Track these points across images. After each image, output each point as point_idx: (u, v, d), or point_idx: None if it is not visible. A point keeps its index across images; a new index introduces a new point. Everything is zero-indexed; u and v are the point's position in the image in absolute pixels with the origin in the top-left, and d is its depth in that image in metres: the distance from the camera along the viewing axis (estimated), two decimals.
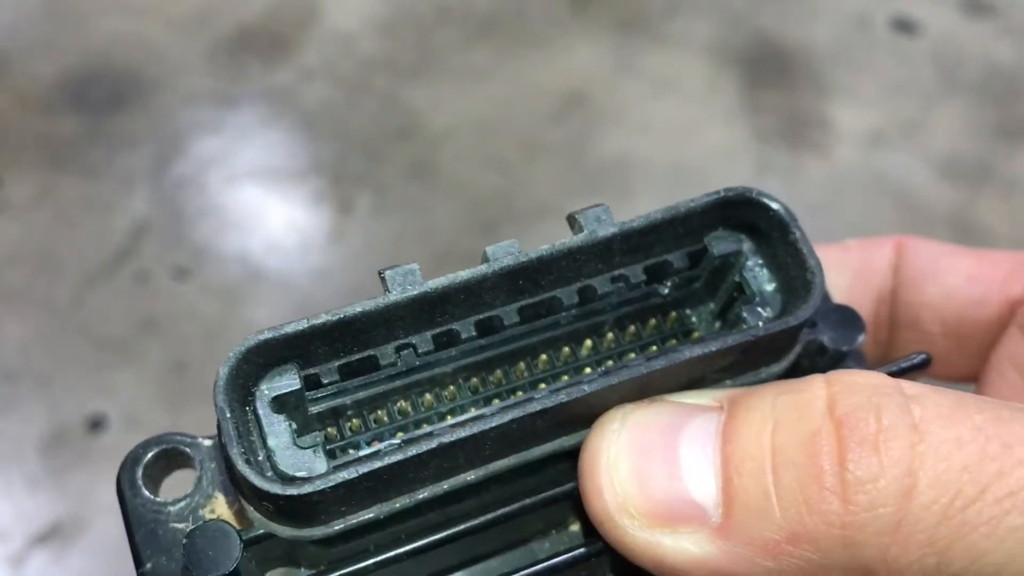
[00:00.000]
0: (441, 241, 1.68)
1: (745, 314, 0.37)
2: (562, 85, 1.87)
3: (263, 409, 0.33)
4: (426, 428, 0.36)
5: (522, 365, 0.37)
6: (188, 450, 0.37)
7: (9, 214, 1.70)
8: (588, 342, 0.38)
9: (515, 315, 0.35)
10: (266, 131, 1.82)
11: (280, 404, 0.34)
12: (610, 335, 0.38)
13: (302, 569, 0.36)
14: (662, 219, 0.35)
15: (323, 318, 0.33)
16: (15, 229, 1.69)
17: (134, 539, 0.37)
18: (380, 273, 0.34)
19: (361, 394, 0.35)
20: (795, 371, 0.37)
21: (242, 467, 0.31)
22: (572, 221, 0.35)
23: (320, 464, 0.33)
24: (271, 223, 1.71)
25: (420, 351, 0.35)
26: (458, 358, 0.36)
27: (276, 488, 0.31)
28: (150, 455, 0.38)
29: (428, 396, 0.36)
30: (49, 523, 1.42)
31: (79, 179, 1.74)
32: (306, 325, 0.33)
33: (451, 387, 0.36)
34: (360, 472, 0.31)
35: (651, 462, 0.33)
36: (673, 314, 0.39)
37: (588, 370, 0.38)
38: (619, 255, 0.36)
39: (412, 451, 0.32)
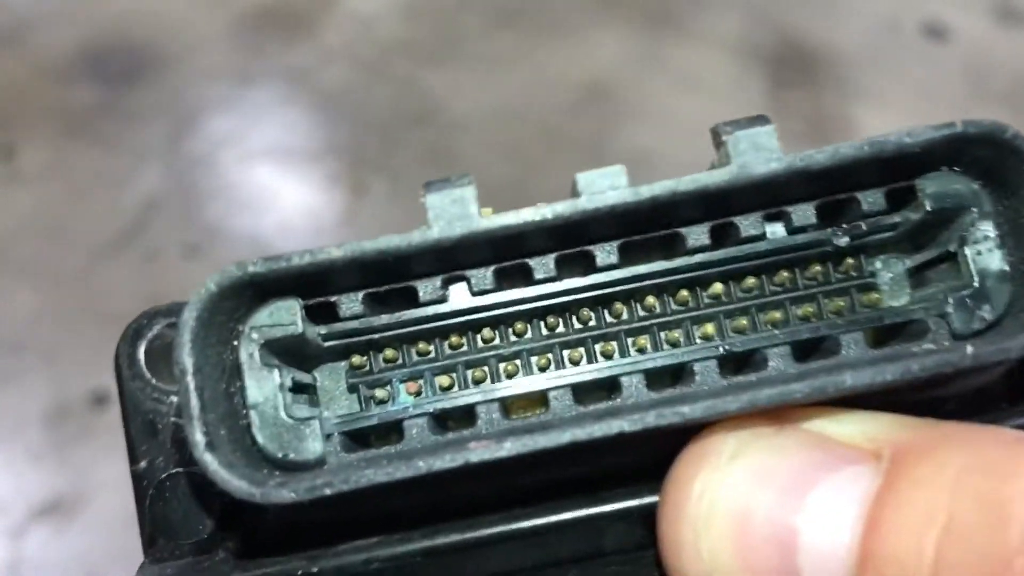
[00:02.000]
0: None
1: (950, 308, 0.27)
2: (585, 76, 1.84)
3: (247, 355, 0.26)
4: (473, 380, 0.28)
5: (620, 307, 0.29)
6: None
7: (22, 184, 1.69)
8: (718, 286, 0.29)
9: (614, 255, 0.28)
10: (282, 111, 1.80)
11: (272, 353, 0.27)
12: (751, 280, 0.29)
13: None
14: (856, 158, 0.26)
15: (353, 249, 0.26)
16: (27, 199, 1.67)
17: (129, 429, 0.32)
18: (425, 188, 0.27)
19: (396, 330, 0.28)
20: (1008, 377, 0.27)
21: (202, 455, 0.24)
22: (717, 139, 0.27)
23: (313, 443, 0.26)
24: (284, 204, 1.69)
25: (476, 288, 0.28)
26: (530, 300, 0.28)
27: (241, 492, 0.24)
28: (156, 328, 0.32)
29: (488, 332, 0.29)
30: (50, 497, 1.42)
31: (92, 151, 1.72)
32: (332, 250, 0.26)
33: (519, 324, 0.29)
34: (348, 487, 0.24)
35: (760, 528, 0.24)
36: (850, 260, 0.29)
37: (709, 327, 0.29)
38: (781, 193, 0.27)
39: (428, 465, 0.25)
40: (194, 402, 0.25)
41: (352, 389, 0.28)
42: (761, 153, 0.26)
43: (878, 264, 0.29)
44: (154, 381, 0.32)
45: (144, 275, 1.59)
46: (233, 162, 1.73)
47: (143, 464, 0.31)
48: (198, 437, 0.25)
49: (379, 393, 0.28)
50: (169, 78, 1.81)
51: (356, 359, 0.29)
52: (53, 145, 1.73)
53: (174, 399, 0.31)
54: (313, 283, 0.27)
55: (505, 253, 0.28)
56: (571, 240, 0.28)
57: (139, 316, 0.32)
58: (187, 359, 0.25)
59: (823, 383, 0.25)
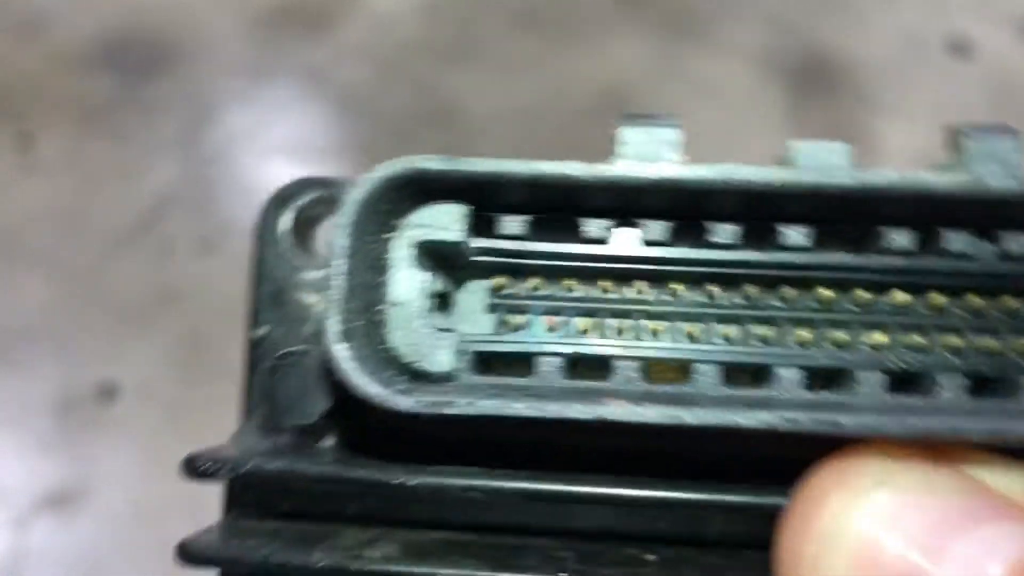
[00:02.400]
0: None
1: None
2: (604, 82, 1.83)
3: (400, 251, 0.25)
4: (613, 331, 0.26)
5: (791, 292, 0.27)
6: (333, 196, 0.29)
7: (38, 174, 1.69)
8: (902, 296, 0.26)
9: (802, 237, 0.26)
10: (300, 107, 1.80)
11: (426, 256, 0.26)
12: (939, 298, 0.26)
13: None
14: None
15: (535, 168, 0.24)
16: (44, 189, 1.68)
17: (257, 293, 0.31)
18: (623, 118, 0.24)
19: (548, 260, 0.27)
20: None
21: (335, 343, 0.23)
22: (954, 140, 0.25)
23: (445, 356, 0.25)
24: None
25: (648, 238, 0.26)
26: (697, 263, 0.26)
27: (364, 390, 0.23)
28: (306, 199, 0.30)
29: (643, 285, 0.27)
30: (57, 488, 1.42)
31: (110, 142, 1.73)
32: (511, 164, 0.24)
33: (678, 284, 0.27)
34: (472, 412, 0.23)
35: (890, 565, 0.22)
36: None
37: (881, 336, 0.26)
38: (1007, 215, 0.24)
39: (531, 411, 0.23)
40: (341, 286, 0.24)
41: (491, 310, 0.27)
42: (1002, 167, 0.24)
43: None
44: (292, 251, 0.31)
45: (157, 268, 1.60)
46: (249, 158, 1.73)
47: (261, 331, 0.31)
48: (336, 324, 0.24)
49: (516, 320, 0.27)
50: (187, 72, 1.81)
51: (501, 280, 0.27)
52: (70, 136, 1.73)
53: (307, 275, 0.30)
54: (479, 194, 0.25)
55: (688, 209, 0.26)
56: (762, 211, 0.26)
57: (292, 182, 0.31)
58: (344, 240, 0.24)
59: (1003, 427, 0.23)
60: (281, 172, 1.77)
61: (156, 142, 1.73)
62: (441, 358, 0.25)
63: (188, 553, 0.29)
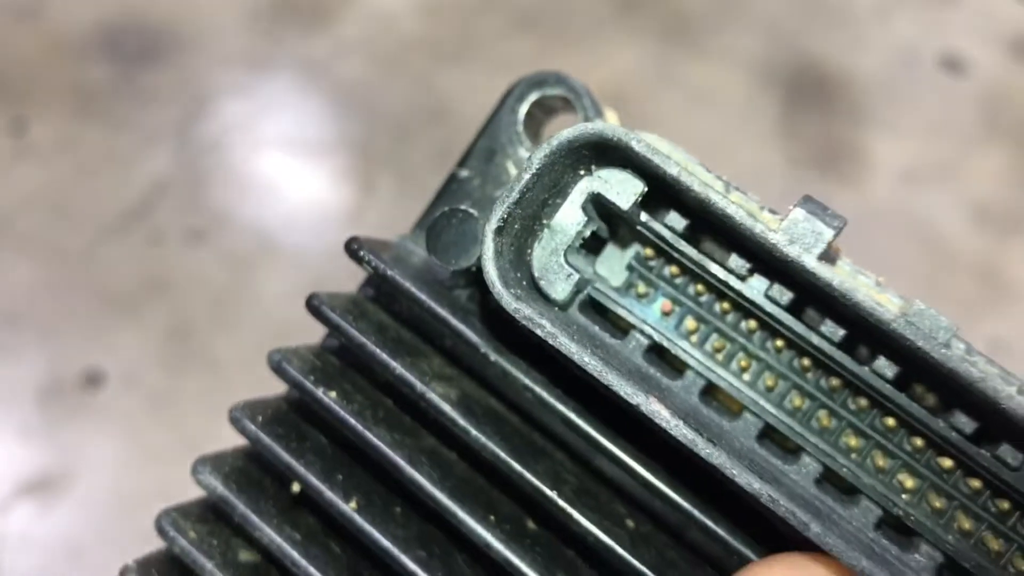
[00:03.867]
0: None
1: None
2: (599, 87, 1.83)
3: (579, 191, 0.29)
4: (702, 347, 0.29)
5: (863, 402, 0.29)
6: (574, 105, 0.34)
7: (31, 159, 1.69)
8: (946, 463, 0.29)
9: (891, 375, 0.28)
10: (297, 101, 1.80)
11: (591, 204, 0.29)
12: (976, 483, 0.29)
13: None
14: None
15: (714, 197, 0.27)
16: (36, 174, 1.67)
17: (476, 142, 0.36)
18: (803, 200, 0.27)
19: (692, 264, 0.30)
20: None
21: (491, 232, 0.28)
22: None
23: (561, 288, 0.29)
24: (291, 195, 1.69)
25: (770, 295, 0.29)
26: (800, 336, 0.29)
27: (489, 277, 0.28)
28: (554, 91, 0.35)
29: (753, 324, 0.30)
30: (38, 474, 1.42)
31: (104, 130, 1.72)
32: (696, 182, 0.27)
33: (780, 342, 0.30)
34: (550, 341, 0.27)
35: None
36: None
37: (908, 480, 0.29)
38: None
39: (610, 379, 0.27)
40: (515, 194, 0.28)
41: (628, 269, 0.30)
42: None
43: None
44: (520, 126, 0.35)
45: (147, 257, 1.59)
46: (243, 150, 1.73)
47: (464, 173, 0.36)
48: (498, 218, 0.28)
49: (642, 288, 0.30)
50: (184, 61, 1.81)
51: (649, 252, 0.30)
52: (64, 122, 1.73)
53: (519, 150, 0.34)
54: (666, 185, 0.28)
55: (814, 297, 0.28)
56: (868, 332, 0.28)
57: (551, 73, 0.35)
58: (538, 160, 0.28)
59: None
60: (274, 165, 1.77)
61: (150, 131, 1.73)
62: (559, 288, 0.29)
63: (312, 302, 0.34)
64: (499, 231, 0.28)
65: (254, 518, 0.33)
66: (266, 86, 1.81)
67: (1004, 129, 1.88)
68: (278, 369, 0.35)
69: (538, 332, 0.28)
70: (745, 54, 1.91)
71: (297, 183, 1.71)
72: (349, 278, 1.72)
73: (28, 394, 1.47)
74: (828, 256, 0.28)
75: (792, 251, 0.27)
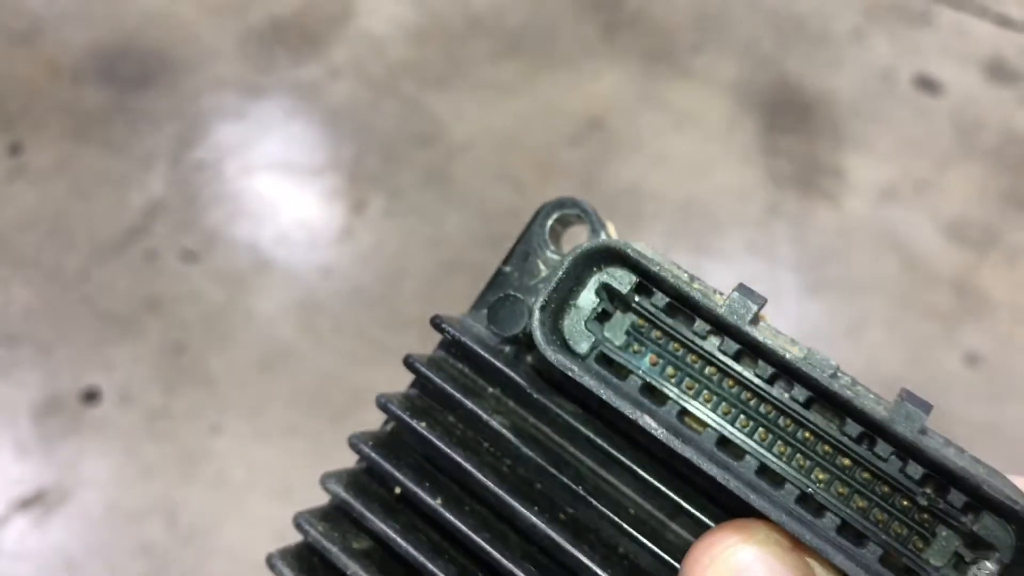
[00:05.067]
0: (449, 250, 1.70)
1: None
2: (583, 109, 1.88)
3: (592, 281, 0.43)
4: (686, 399, 0.43)
5: (786, 422, 0.42)
6: (584, 219, 0.50)
7: (27, 180, 1.72)
8: (847, 461, 0.41)
9: (802, 400, 0.40)
10: (288, 124, 1.84)
11: (602, 290, 0.43)
12: (866, 475, 0.41)
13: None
14: (965, 475, 0.37)
15: (685, 283, 0.41)
16: (31, 195, 1.71)
17: (515, 247, 0.51)
18: (738, 288, 0.40)
19: (670, 330, 0.43)
20: None
21: (537, 309, 0.42)
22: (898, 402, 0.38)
23: (584, 345, 0.43)
24: (283, 215, 1.73)
25: (724, 349, 0.41)
26: (745, 381, 0.42)
27: (537, 339, 0.41)
28: (571, 211, 0.51)
29: (712, 371, 0.43)
30: (33, 490, 1.44)
31: (99, 152, 1.76)
32: (669, 275, 0.41)
33: (731, 382, 0.43)
34: (578, 379, 0.41)
35: None
36: (925, 516, 0.40)
37: (822, 475, 0.41)
38: (910, 451, 0.38)
39: (615, 399, 0.40)
40: (553, 285, 0.42)
41: (627, 333, 0.43)
42: (913, 423, 0.38)
43: (943, 532, 0.40)
44: (546, 237, 0.50)
45: (142, 276, 1.62)
46: (237, 172, 1.77)
47: (507, 268, 0.51)
48: (542, 301, 0.42)
49: (636, 347, 0.43)
50: (179, 85, 1.85)
51: (640, 322, 0.43)
52: (60, 144, 1.76)
53: (548, 254, 0.50)
54: (650, 277, 0.42)
55: (749, 349, 0.41)
56: (783, 375, 0.41)
57: (568, 198, 0.51)
58: (568, 264, 0.42)
59: (838, 554, 0.38)
60: (267, 186, 1.80)
61: (145, 153, 1.77)
62: (582, 345, 0.43)
63: (408, 360, 0.48)
64: (543, 308, 0.42)
65: (366, 513, 0.46)
66: (258, 109, 1.85)
67: (979, 147, 1.93)
68: (384, 408, 0.47)
69: (569, 374, 0.41)
70: (726, 75, 1.96)
71: (289, 204, 1.75)
72: (338, 296, 1.74)
73: (24, 411, 1.49)
74: (756, 321, 0.41)
75: (732, 319, 0.40)
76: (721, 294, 0.41)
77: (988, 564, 0.38)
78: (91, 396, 1.51)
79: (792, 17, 2.06)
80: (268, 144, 1.81)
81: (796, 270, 1.72)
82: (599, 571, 0.43)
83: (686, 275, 0.41)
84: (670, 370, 0.43)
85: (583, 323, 0.43)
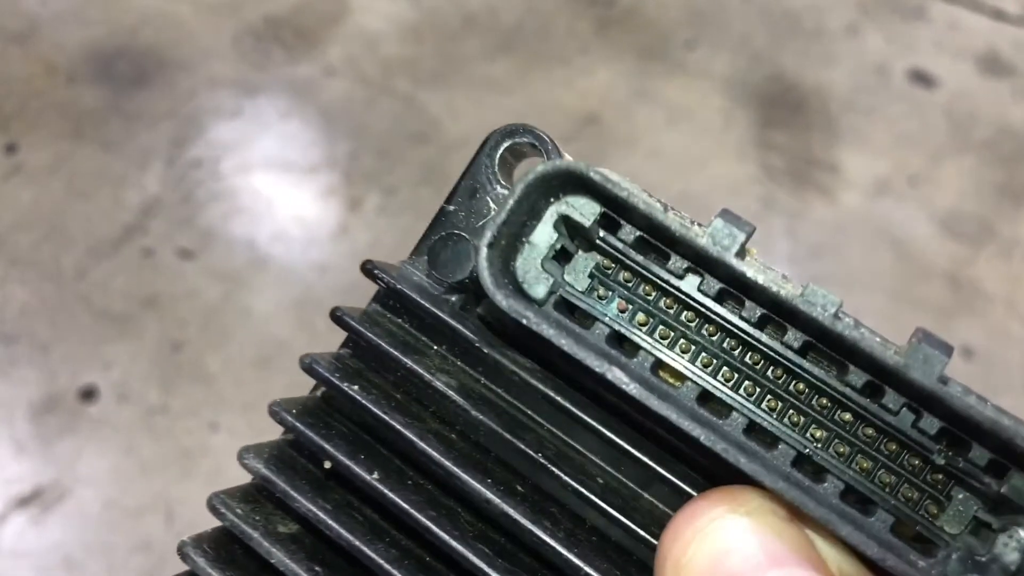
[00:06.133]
0: None
1: (956, 555, 0.33)
2: (578, 104, 1.89)
3: (550, 213, 0.36)
4: (658, 343, 0.36)
5: (778, 372, 0.36)
6: (539, 149, 0.43)
7: (23, 179, 1.72)
8: (849, 416, 0.36)
9: (797, 346, 0.35)
10: (284, 122, 1.84)
11: (561, 223, 0.36)
12: (870, 431, 0.35)
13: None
14: (990, 424, 0.32)
15: (658, 211, 0.34)
16: (28, 194, 1.71)
17: (460, 182, 0.43)
18: (721, 214, 0.34)
19: (641, 269, 0.37)
20: None
21: (484, 247, 0.35)
22: (912, 336, 0.33)
23: (540, 288, 0.36)
24: (279, 213, 1.73)
25: (703, 289, 0.36)
26: (727, 322, 0.36)
27: (485, 281, 0.35)
28: (523, 139, 0.43)
29: (690, 315, 0.37)
30: (31, 488, 1.44)
31: (95, 151, 1.76)
32: (641, 202, 0.34)
33: (712, 328, 0.37)
34: (534, 328, 0.34)
35: (734, 564, 0.31)
36: (940, 476, 0.35)
37: (820, 432, 0.36)
38: (925, 401, 0.33)
39: (582, 354, 0.34)
40: (503, 215, 0.35)
41: (590, 276, 0.37)
42: (932, 368, 0.32)
43: (959, 494, 0.34)
44: (496, 168, 0.43)
45: (139, 274, 1.63)
46: (233, 170, 1.77)
47: (451, 207, 0.43)
48: (489, 236, 0.35)
49: (602, 291, 0.37)
50: (175, 84, 1.85)
51: (606, 262, 0.37)
52: (57, 143, 1.77)
53: (497, 189, 0.43)
54: (618, 206, 0.36)
55: (734, 287, 0.35)
56: (775, 316, 0.35)
57: (519, 125, 0.43)
58: (520, 190, 0.35)
59: (844, 525, 0.32)
60: (263, 184, 1.81)
61: (141, 152, 1.77)
62: (539, 289, 0.36)
63: (336, 313, 0.42)
64: (491, 246, 0.35)
65: (292, 492, 0.39)
66: (254, 108, 1.85)
67: (973, 141, 1.93)
68: (309, 369, 0.41)
69: (523, 322, 0.34)
70: (720, 70, 1.96)
71: (285, 201, 1.75)
72: (334, 293, 1.75)
73: (22, 410, 1.50)
74: (742, 254, 0.34)
75: (715, 250, 0.34)
76: (701, 225, 0.35)
77: (1022, 532, 0.32)
78: (89, 394, 1.52)
79: (786, 12, 2.06)
80: (264, 142, 1.81)
81: (790, 264, 1.72)
82: (562, 550, 0.37)
83: (659, 203, 0.35)
84: (641, 316, 0.37)
85: (539, 263, 0.36)
